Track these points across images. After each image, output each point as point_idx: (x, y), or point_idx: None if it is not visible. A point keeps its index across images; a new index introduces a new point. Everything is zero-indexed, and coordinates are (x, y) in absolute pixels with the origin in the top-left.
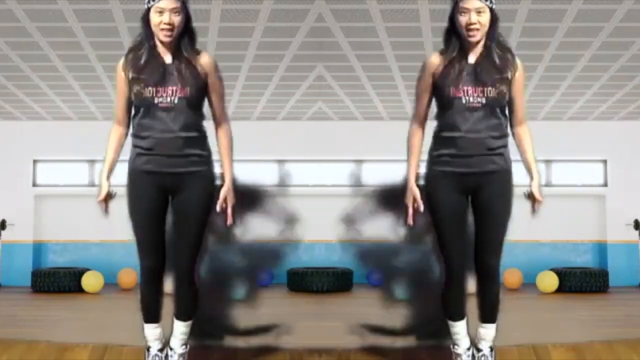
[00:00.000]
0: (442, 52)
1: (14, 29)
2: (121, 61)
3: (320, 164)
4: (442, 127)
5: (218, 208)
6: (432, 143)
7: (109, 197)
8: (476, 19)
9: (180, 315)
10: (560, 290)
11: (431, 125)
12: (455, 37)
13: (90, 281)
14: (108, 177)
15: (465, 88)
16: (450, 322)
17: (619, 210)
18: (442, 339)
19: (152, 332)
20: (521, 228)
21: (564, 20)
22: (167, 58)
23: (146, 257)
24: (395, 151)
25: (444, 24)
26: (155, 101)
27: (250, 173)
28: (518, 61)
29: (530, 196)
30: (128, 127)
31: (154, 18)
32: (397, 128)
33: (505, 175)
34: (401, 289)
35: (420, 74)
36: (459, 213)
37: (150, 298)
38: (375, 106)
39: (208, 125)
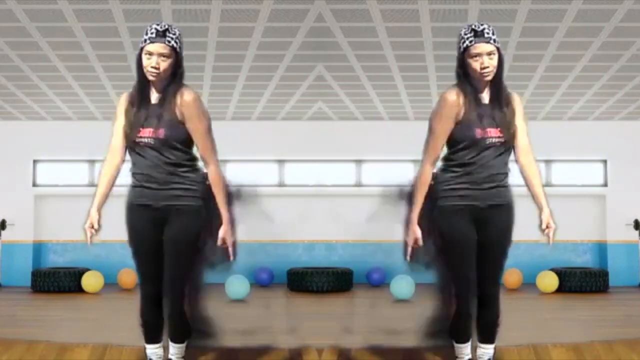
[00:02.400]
0: (458, 93)
1: (14, 29)
2: (126, 93)
3: (320, 164)
4: (458, 164)
5: (219, 244)
6: (445, 177)
7: (94, 228)
8: (489, 63)
9: (174, 339)
10: (560, 290)
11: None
12: (465, 77)
13: (90, 281)
14: (98, 209)
15: (489, 129)
16: (457, 345)
17: (619, 210)
18: (442, 339)
19: (153, 352)
20: (521, 228)
21: (564, 20)
22: (154, 98)
23: (146, 283)
24: (395, 151)
25: (444, 24)
26: (137, 140)
27: (250, 173)
28: (512, 93)
29: (547, 226)
30: (123, 157)
31: (144, 59)
32: (397, 128)
33: (508, 210)
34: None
35: (442, 111)
36: (471, 244)
37: (151, 320)
38: (375, 106)
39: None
